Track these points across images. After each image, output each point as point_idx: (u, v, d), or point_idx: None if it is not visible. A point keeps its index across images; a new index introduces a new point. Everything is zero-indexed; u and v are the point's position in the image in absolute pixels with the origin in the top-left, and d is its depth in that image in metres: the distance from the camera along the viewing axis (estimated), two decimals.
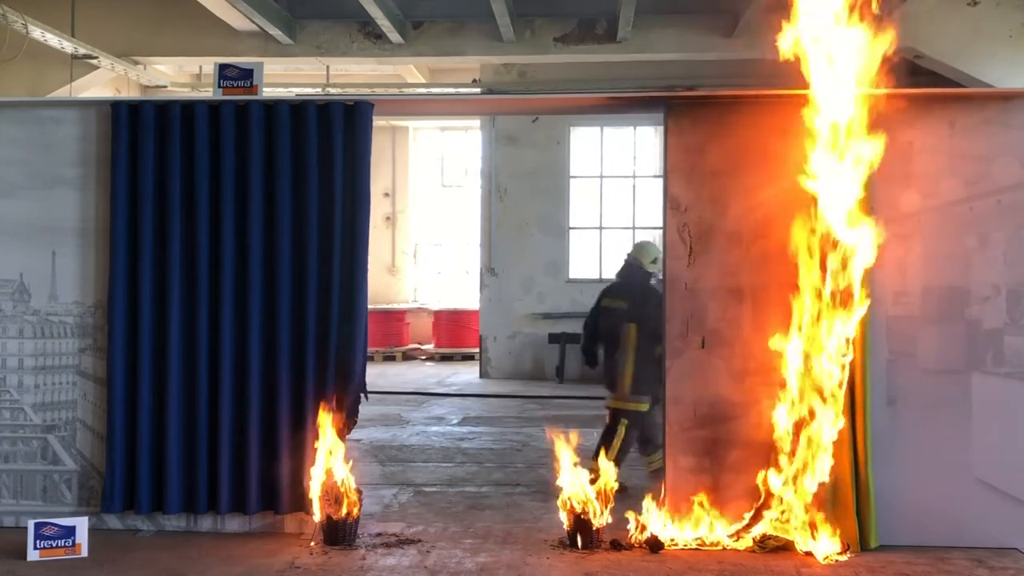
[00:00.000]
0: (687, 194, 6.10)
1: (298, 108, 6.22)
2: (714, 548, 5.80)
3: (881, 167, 5.88)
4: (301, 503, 6.06)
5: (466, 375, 16.27)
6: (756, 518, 5.81)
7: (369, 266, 6.23)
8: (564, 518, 5.88)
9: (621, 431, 7.37)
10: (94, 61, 13.74)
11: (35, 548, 5.63)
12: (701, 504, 5.91)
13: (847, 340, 5.70)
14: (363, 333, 6.15)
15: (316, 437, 6.01)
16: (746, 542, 5.79)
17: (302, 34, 13.97)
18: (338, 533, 5.88)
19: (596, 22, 13.69)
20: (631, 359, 7.40)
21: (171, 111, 6.22)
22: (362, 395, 6.17)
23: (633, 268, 7.84)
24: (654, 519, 5.88)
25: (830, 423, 5.67)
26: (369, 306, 6.44)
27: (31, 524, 5.67)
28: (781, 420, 5.80)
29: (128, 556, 5.72)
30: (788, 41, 5.74)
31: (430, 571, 5.44)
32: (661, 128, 6.32)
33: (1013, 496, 5.82)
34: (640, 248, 8.02)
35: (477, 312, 16.59)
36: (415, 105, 13.73)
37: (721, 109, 6.20)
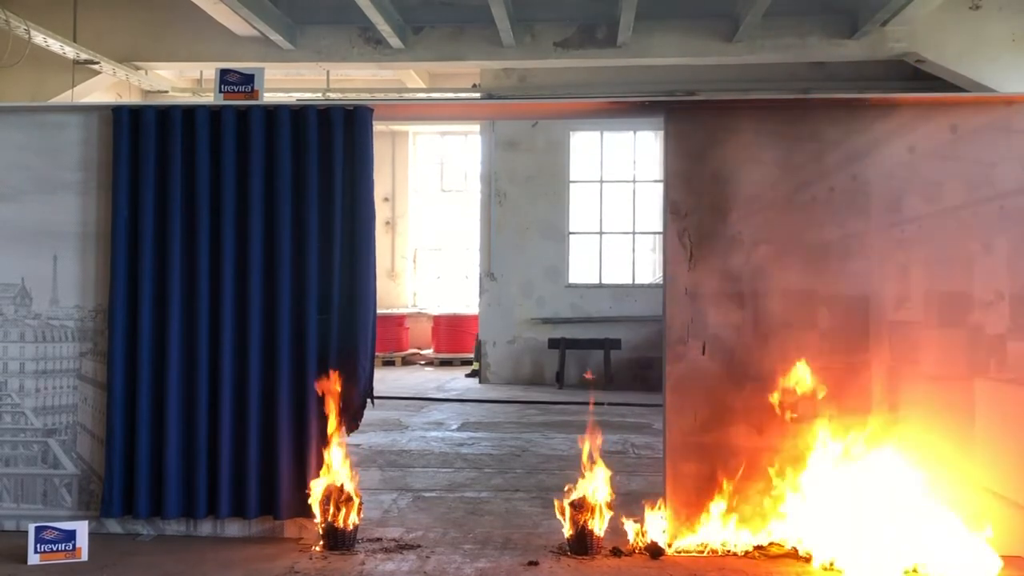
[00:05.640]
0: (688, 199, 6.10)
1: (298, 113, 6.22)
2: (715, 554, 5.79)
3: (883, 172, 5.92)
4: (300, 508, 6.05)
5: (465, 380, 16.29)
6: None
7: None
8: (564, 524, 5.87)
9: None
10: (96, 66, 13.78)
11: (35, 552, 5.62)
12: (701, 510, 5.90)
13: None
14: (370, 339, 6.14)
15: (316, 442, 6.01)
16: (747, 548, 5.79)
17: (303, 39, 14.00)
18: (338, 538, 5.86)
19: (596, 27, 13.72)
20: None
21: (172, 116, 6.22)
22: (369, 400, 6.17)
23: None
24: (654, 525, 5.87)
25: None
26: None
27: (31, 528, 5.66)
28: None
29: (128, 560, 5.71)
30: None
31: None
32: (661, 133, 6.32)
33: (1018, 503, 5.81)
34: None
35: (477, 317, 16.60)
36: (415, 110, 13.79)
37: (721, 114, 6.21)
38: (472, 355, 17.45)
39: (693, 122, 6.16)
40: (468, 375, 16.63)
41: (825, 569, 5.52)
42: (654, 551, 5.75)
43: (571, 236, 16.22)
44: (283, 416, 6.07)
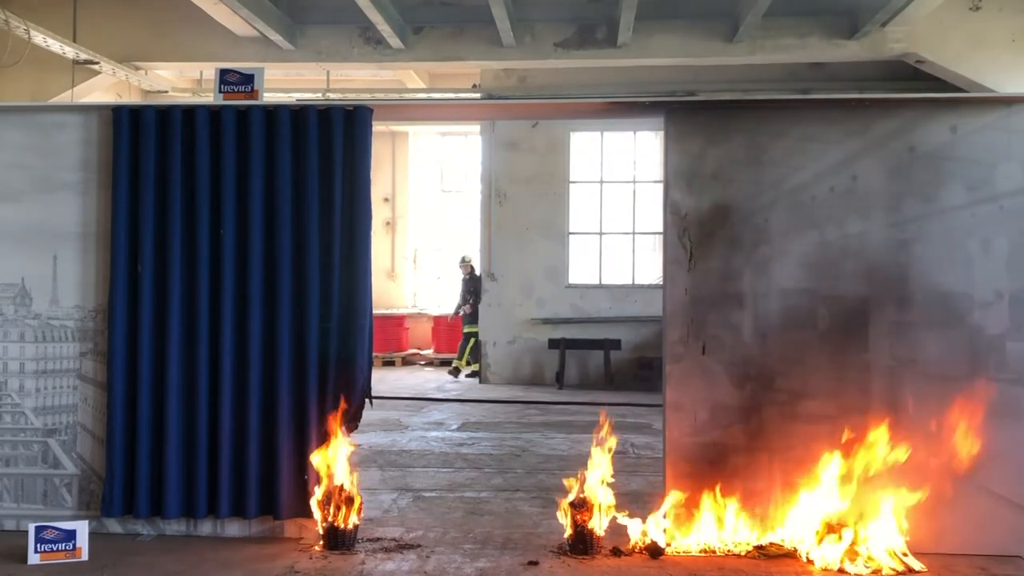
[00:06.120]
0: (688, 199, 6.11)
1: (298, 113, 6.22)
2: (715, 554, 5.80)
3: (883, 172, 5.93)
4: (300, 508, 6.05)
5: (465, 380, 16.29)
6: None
7: None
8: (564, 524, 5.87)
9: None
10: (96, 66, 13.78)
11: (36, 552, 5.63)
12: (701, 510, 5.90)
13: None
14: (367, 339, 6.14)
15: (316, 442, 6.02)
16: (747, 548, 5.79)
17: (302, 39, 14.00)
18: (338, 538, 5.87)
19: (596, 27, 13.72)
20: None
21: (172, 116, 6.22)
22: (367, 400, 6.17)
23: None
24: (654, 525, 5.88)
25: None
26: None
27: (32, 528, 5.67)
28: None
29: (128, 560, 5.71)
30: None
31: None
32: (661, 133, 6.32)
33: (1017, 503, 5.81)
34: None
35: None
36: (415, 110, 13.79)
37: (722, 114, 6.22)
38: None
39: (693, 122, 6.17)
40: (468, 375, 16.63)
41: (825, 570, 5.53)
42: (654, 551, 5.75)
43: (571, 236, 16.22)
44: (283, 416, 6.07)
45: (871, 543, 5.56)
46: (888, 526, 5.63)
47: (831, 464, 5.79)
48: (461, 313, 17.18)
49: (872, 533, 5.61)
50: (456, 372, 16.63)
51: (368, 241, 6.19)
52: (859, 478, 5.77)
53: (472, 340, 16.72)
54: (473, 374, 16.53)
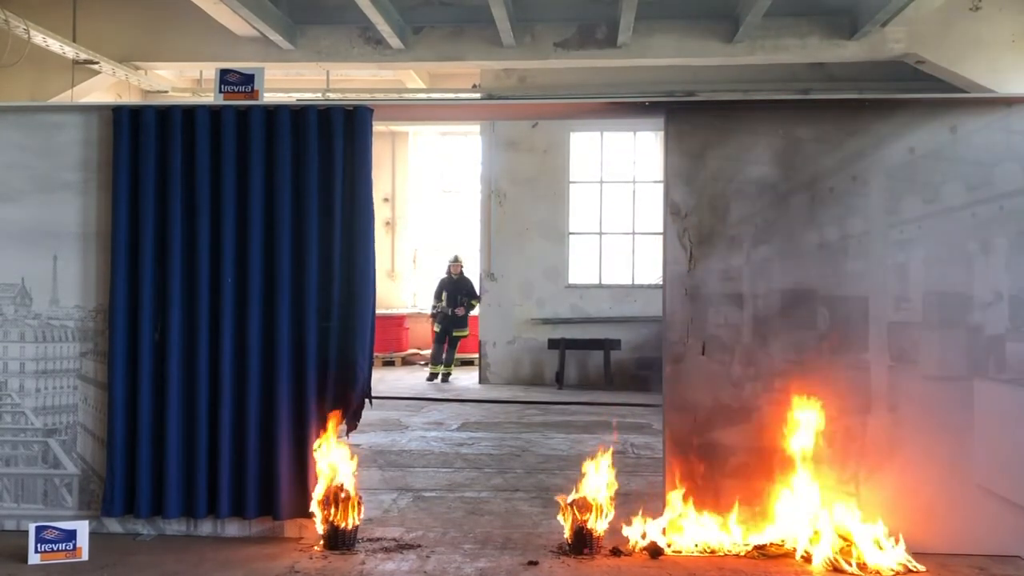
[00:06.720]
0: (688, 200, 6.11)
1: (298, 113, 6.23)
2: (714, 554, 5.80)
3: (883, 172, 5.93)
4: (300, 508, 6.05)
5: (465, 380, 16.30)
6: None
7: None
8: (564, 524, 5.87)
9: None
10: (95, 66, 13.78)
11: (36, 552, 5.63)
12: (701, 510, 5.90)
13: None
14: (368, 339, 6.14)
15: (316, 442, 6.02)
16: (747, 548, 5.79)
17: (302, 40, 14.00)
18: (338, 538, 5.87)
19: (596, 27, 13.72)
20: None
21: (172, 116, 6.22)
22: (366, 400, 6.16)
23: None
24: (654, 525, 5.88)
25: None
26: None
27: (32, 528, 5.67)
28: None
29: (128, 560, 5.71)
30: None
31: None
32: (661, 133, 6.32)
33: (1015, 503, 5.81)
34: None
35: (476, 317, 16.62)
36: (415, 110, 13.79)
37: (721, 114, 6.22)
38: (472, 356, 17.37)
39: (693, 122, 6.17)
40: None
41: (824, 569, 5.53)
42: (654, 551, 5.75)
43: (571, 236, 16.22)
44: (283, 416, 6.07)
45: (870, 543, 5.57)
46: (885, 526, 5.64)
47: (826, 463, 5.80)
48: (449, 312, 16.47)
49: (870, 533, 5.61)
50: (446, 377, 16.31)
51: (370, 241, 6.18)
52: (856, 478, 5.78)
53: (456, 343, 16.59)
54: (434, 376, 16.36)
